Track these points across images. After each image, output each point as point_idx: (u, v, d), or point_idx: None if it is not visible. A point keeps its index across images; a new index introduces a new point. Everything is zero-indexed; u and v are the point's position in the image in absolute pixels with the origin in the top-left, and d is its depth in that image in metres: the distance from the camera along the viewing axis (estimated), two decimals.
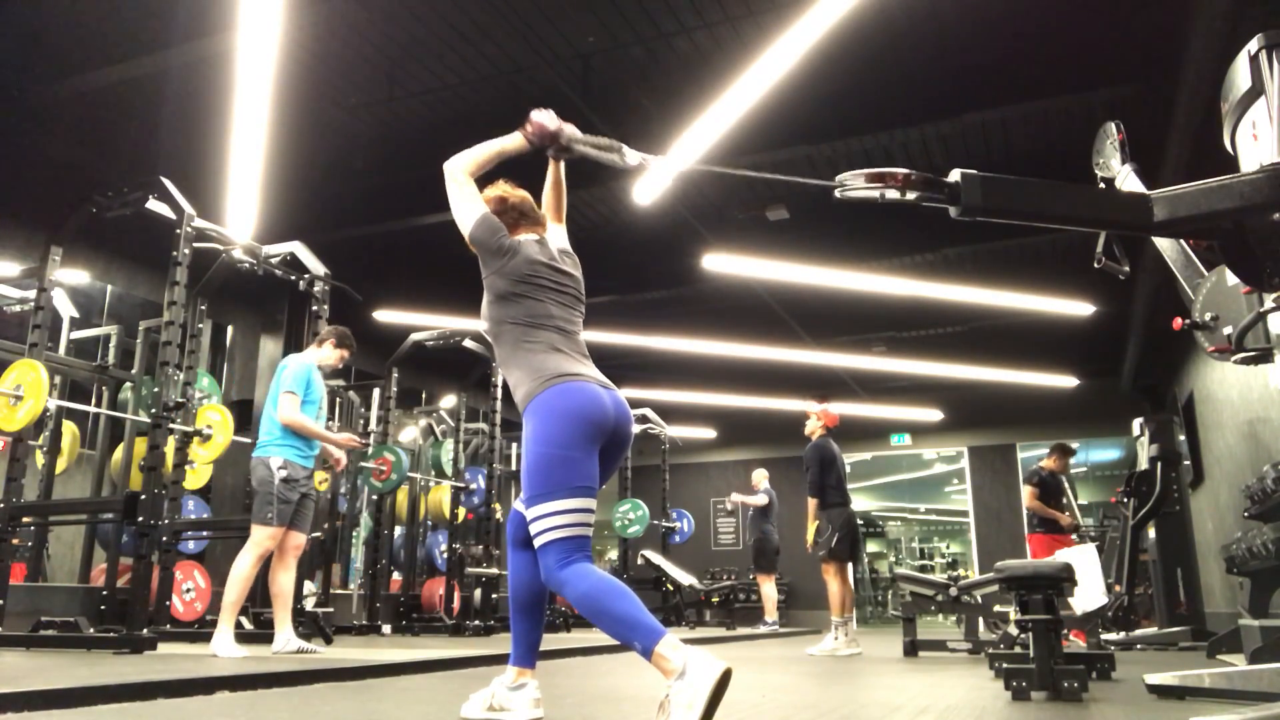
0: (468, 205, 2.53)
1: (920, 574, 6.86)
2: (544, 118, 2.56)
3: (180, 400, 5.16)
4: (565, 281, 2.56)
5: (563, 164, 2.73)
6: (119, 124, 6.63)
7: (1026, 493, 7.57)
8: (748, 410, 13.40)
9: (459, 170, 2.54)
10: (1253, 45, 2.19)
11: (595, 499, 2.29)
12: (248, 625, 5.74)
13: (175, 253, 4.98)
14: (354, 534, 9.46)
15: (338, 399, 8.70)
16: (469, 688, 2.53)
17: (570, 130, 2.56)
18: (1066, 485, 7.58)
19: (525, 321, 2.43)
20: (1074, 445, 7.70)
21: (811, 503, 6.42)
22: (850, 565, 6.46)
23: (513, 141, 2.58)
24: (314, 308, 6.04)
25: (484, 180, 2.63)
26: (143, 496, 4.63)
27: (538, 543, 2.24)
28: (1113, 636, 6.75)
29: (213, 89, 5.71)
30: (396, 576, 8.74)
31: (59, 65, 5.85)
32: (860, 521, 6.53)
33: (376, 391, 8.60)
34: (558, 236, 2.71)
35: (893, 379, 12.60)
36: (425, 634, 7.37)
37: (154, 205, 5.14)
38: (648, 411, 11.12)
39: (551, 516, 2.21)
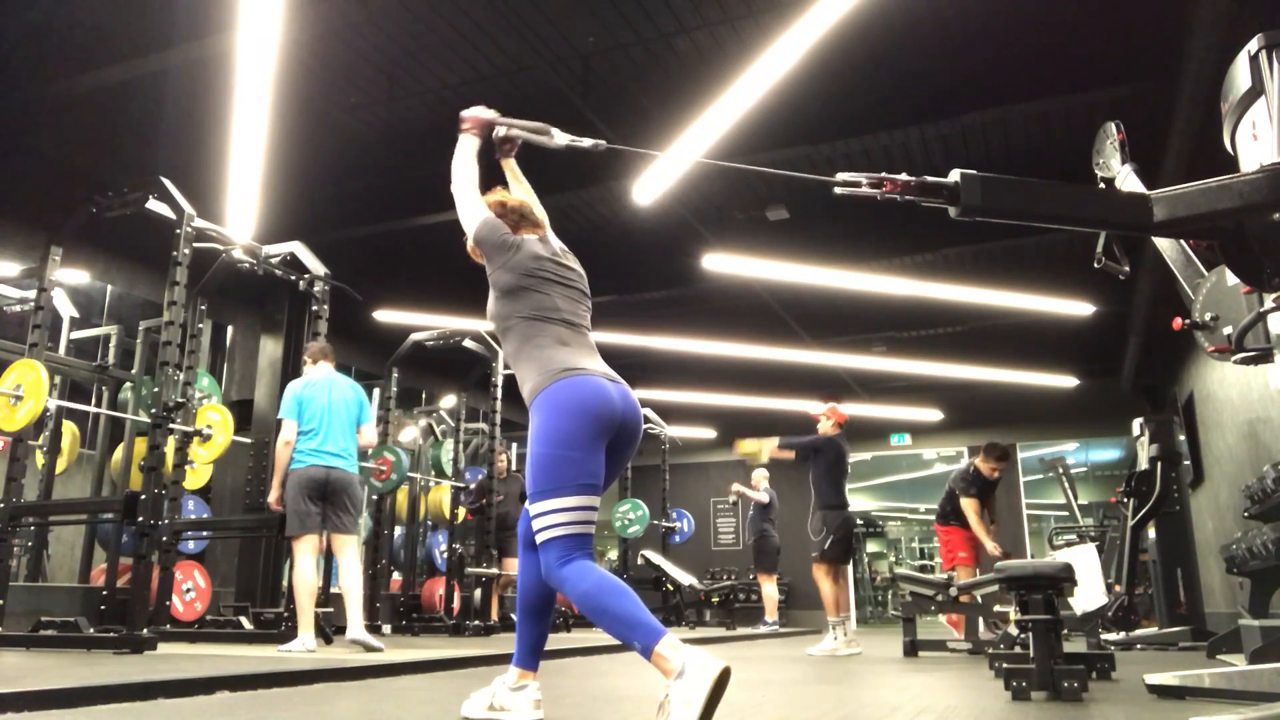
0: (472, 210, 2.60)
1: (920, 574, 6.85)
2: (474, 111, 2.72)
3: (180, 400, 5.16)
4: (570, 276, 2.58)
5: (514, 160, 2.84)
6: (119, 124, 6.63)
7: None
8: (748, 410, 13.40)
9: (462, 185, 2.65)
10: (1253, 45, 2.18)
11: (599, 496, 2.29)
12: (247, 625, 5.75)
13: (175, 253, 4.98)
14: None
15: None
16: (469, 688, 2.53)
17: (500, 116, 2.72)
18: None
19: (532, 316, 2.44)
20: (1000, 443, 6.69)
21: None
22: (848, 566, 6.45)
23: (467, 141, 2.70)
24: (314, 308, 6.04)
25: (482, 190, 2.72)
26: (143, 496, 4.64)
27: (539, 539, 2.24)
28: (1113, 636, 6.75)
29: (213, 89, 5.70)
30: (396, 576, 8.73)
31: (59, 65, 5.85)
32: (860, 522, 6.47)
33: (377, 391, 8.59)
34: (554, 238, 2.73)
35: (893, 379, 12.60)
36: (425, 634, 7.37)
37: (154, 205, 5.14)
38: (648, 411, 11.11)
39: (554, 514, 2.21)
